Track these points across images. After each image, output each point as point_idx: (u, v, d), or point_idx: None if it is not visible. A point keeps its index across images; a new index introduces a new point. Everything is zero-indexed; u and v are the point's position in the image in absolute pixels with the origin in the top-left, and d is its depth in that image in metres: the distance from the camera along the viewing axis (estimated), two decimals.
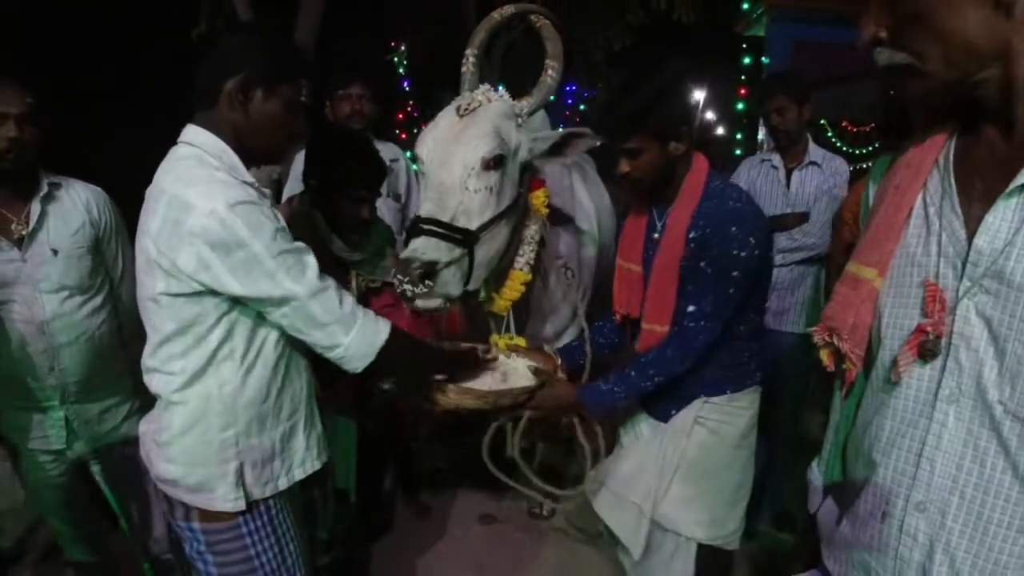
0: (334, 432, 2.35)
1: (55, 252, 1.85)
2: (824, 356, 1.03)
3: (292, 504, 1.56)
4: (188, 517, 1.42)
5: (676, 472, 1.80)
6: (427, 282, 1.63)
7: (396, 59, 9.43)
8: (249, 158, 1.41)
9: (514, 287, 1.98)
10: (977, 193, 0.88)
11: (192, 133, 1.37)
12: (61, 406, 1.91)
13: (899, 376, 0.92)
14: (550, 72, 1.88)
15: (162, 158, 1.39)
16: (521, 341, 2.07)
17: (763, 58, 8.66)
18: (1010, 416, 0.82)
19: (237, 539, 1.42)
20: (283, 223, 1.33)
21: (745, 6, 8.80)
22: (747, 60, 9.12)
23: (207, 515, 1.40)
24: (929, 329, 0.88)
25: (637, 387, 1.70)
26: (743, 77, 9.20)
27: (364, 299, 2.22)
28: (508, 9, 2.01)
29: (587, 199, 2.64)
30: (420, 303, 1.67)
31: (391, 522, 2.94)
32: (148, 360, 1.41)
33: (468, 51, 1.99)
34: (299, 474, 1.51)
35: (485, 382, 1.70)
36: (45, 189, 1.86)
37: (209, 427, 1.37)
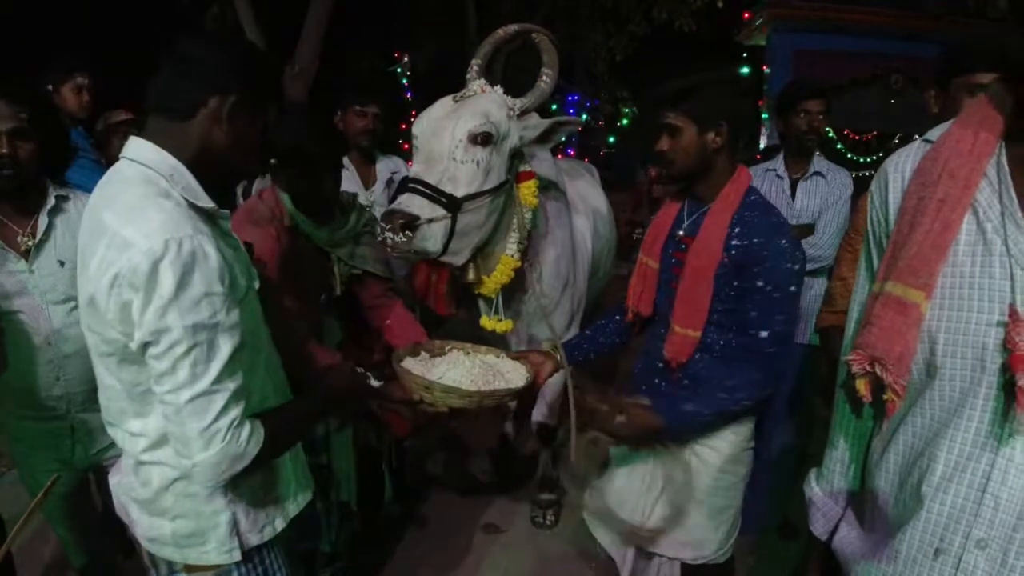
0: (333, 445, 2.36)
1: (62, 264, 1.86)
2: (861, 386, 0.98)
3: (284, 544, 1.45)
4: (172, 571, 1.32)
5: (661, 493, 1.79)
6: (407, 232, 1.78)
7: (399, 70, 9.51)
8: (207, 181, 1.23)
9: (504, 271, 2.10)
10: None
11: (137, 148, 1.18)
12: (67, 416, 1.92)
13: None
14: (544, 78, 2.06)
15: None
16: (508, 324, 2.18)
17: (764, 67, 8.70)
18: None
19: None
20: (219, 287, 1.11)
21: (745, 16, 8.84)
22: (747, 69, 9.16)
23: (193, 568, 1.30)
24: None
25: (724, 410, 1.65)
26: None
27: (348, 289, 2.20)
28: (511, 28, 2.20)
29: (584, 205, 2.67)
30: (397, 252, 1.82)
31: (394, 532, 2.94)
32: (104, 413, 1.29)
33: (474, 61, 2.15)
34: (293, 510, 1.41)
35: (475, 381, 1.71)
36: (52, 202, 1.88)
37: (191, 481, 1.23)
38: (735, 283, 1.63)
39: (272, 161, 1.96)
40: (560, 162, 2.96)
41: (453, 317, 2.40)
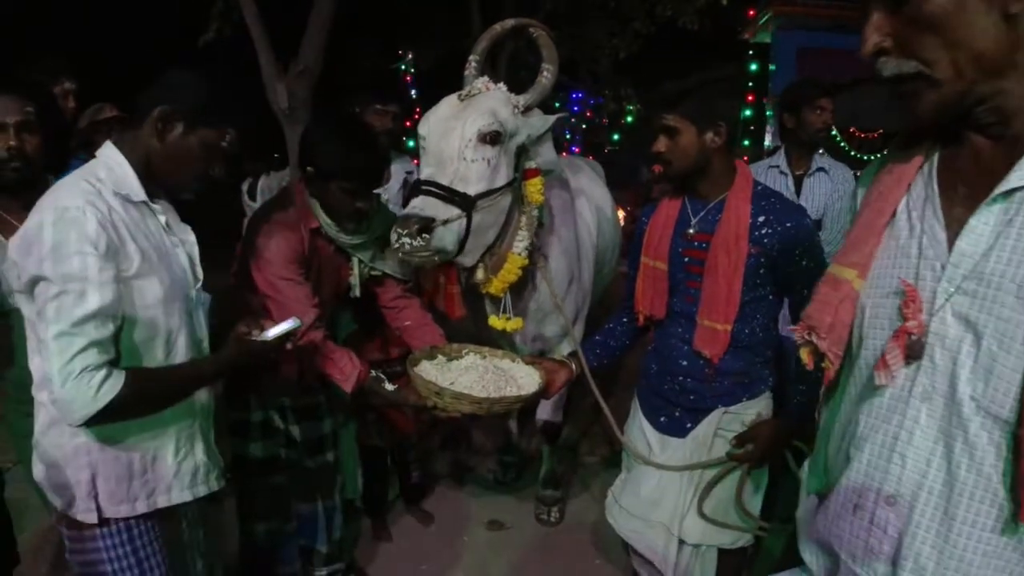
0: (340, 443, 2.36)
1: None
2: (804, 355, 1.06)
3: (172, 529, 1.53)
4: (58, 520, 1.44)
5: (699, 487, 1.80)
6: (424, 235, 1.77)
7: (404, 67, 9.52)
8: (156, 185, 1.46)
9: (511, 270, 2.08)
10: (959, 198, 0.90)
11: (103, 149, 1.43)
12: None
13: (890, 377, 0.92)
14: (545, 74, 2.05)
15: None
16: (519, 323, 2.16)
17: (769, 65, 8.68)
18: (982, 413, 0.84)
19: (94, 551, 1.42)
20: (92, 248, 1.27)
21: (750, 13, 8.82)
22: (753, 67, 9.14)
23: (71, 521, 1.41)
24: (913, 330, 0.89)
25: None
26: (749, 84, 9.23)
27: (366, 288, 2.20)
28: (508, 22, 2.20)
29: (589, 202, 2.67)
30: (414, 256, 1.81)
31: (399, 529, 2.95)
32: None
33: (471, 57, 2.14)
34: (163, 501, 1.47)
35: (486, 387, 1.72)
36: None
37: (63, 431, 1.38)
38: (762, 271, 1.68)
39: (309, 169, 1.95)
40: (565, 159, 2.95)
41: (461, 319, 2.39)
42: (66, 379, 1.25)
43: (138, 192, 1.41)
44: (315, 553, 2.34)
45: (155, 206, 1.46)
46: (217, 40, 6.13)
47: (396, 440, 2.83)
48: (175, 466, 1.49)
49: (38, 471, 1.44)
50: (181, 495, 1.51)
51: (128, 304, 1.35)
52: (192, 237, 1.58)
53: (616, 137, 15.30)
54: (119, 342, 1.34)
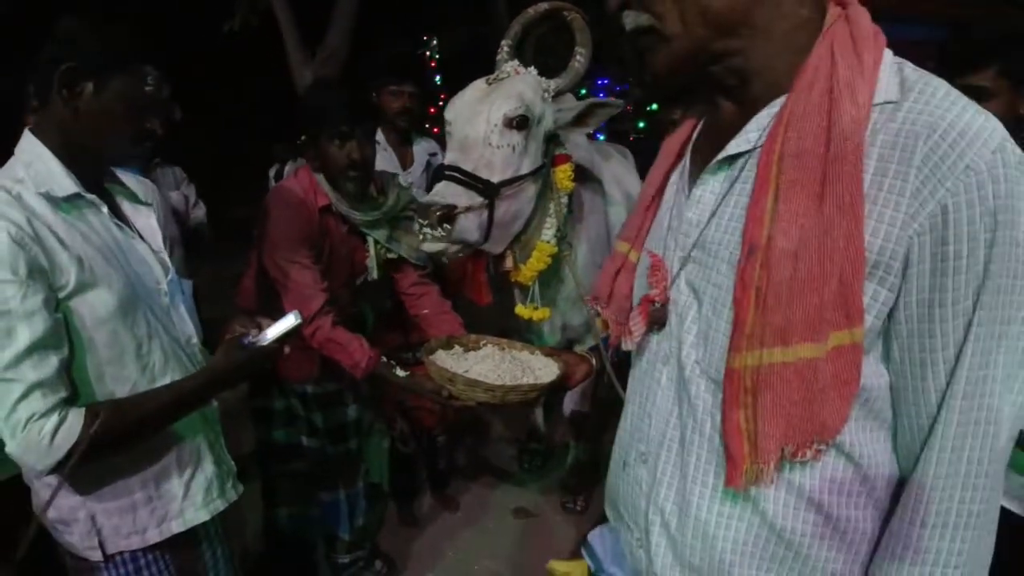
0: (364, 428, 2.36)
1: None
2: (599, 323, 1.12)
3: (193, 554, 1.37)
4: (61, 551, 1.31)
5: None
6: (445, 225, 1.72)
7: (428, 53, 9.48)
8: (90, 161, 1.24)
9: (540, 258, 2.04)
10: (698, 167, 0.91)
11: (22, 140, 1.21)
12: None
13: (633, 343, 0.97)
14: (578, 58, 2.00)
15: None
16: (546, 312, 2.12)
17: None
18: (705, 377, 0.86)
19: None
20: (9, 274, 1.07)
21: None
22: None
23: (72, 554, 1.28)
24: (655, 298, 0.93)
25: None
26: None
27: (383, 271, 2.17)
28: (542, 5, 2.12)
29: (619, 189, 2.63)
30: (433, 246, 1.76)
31: (426, 515, 2.96)
32: None
33: (504, 42, 2.08)
34: (176, 526, 1.31)
35: (501, 376, 1.69)
36: None
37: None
38: None
39: (303, 138, 1.92)
40: (594, 145, 2.90)
41: (489, 306, 2.36)
42: (13, 432, 1.07)
43: (64, 186, 1.17)
44: (337, 540, 2.35)
45: (90, 196, 1.22)
46: (243, 27, 6.13)
47: (422, 433, 2.83)
48: (183, 487, 1.33)
49: (34, 501, 1.28)
50: (196, 515, 1.35)
51: (75, 326, 1.15)
52: (152, 220, 1.38)
53: (641, 125, 15.11)
54: (75, 372, 1.16)
